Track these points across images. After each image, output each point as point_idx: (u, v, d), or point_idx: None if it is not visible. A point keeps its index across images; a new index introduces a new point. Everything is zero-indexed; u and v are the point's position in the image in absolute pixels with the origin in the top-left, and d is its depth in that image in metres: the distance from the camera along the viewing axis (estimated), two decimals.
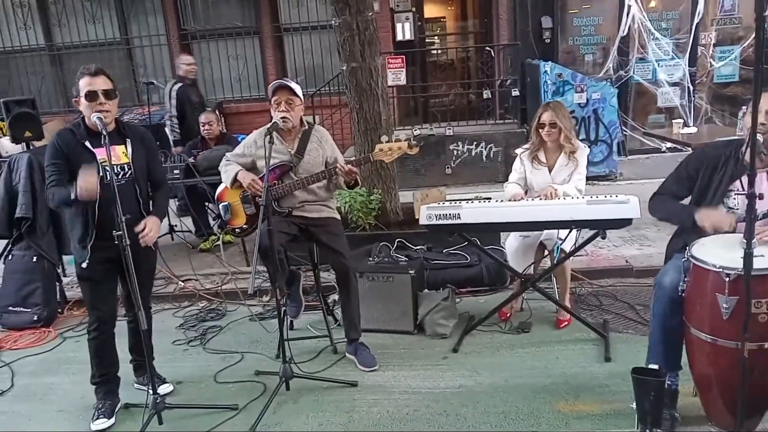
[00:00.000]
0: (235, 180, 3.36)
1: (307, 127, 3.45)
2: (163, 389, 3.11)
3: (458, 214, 3.26)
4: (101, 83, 2.73)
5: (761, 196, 1.92)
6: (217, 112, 6.04)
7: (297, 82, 3.47)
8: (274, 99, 3.30)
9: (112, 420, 2.94)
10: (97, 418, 2.91)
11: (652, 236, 4.84)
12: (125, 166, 2.85)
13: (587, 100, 6.43)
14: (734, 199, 2.48)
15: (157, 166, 3.13)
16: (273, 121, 3.21)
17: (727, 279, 2.13)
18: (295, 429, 2.74)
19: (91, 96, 2.70)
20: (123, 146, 2.87)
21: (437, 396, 2.93)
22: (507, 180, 3.69)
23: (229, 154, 3.52)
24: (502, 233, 4.28)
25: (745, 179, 2.38)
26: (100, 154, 2.73)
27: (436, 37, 10.18)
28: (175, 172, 4.90)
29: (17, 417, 3.10)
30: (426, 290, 3.78)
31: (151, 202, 3.00)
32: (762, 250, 2.13)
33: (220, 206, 3.56)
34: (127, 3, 8.37)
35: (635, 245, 4.70)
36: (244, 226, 3.53)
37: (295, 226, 3.32)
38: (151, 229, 2.80)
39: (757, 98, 1.97)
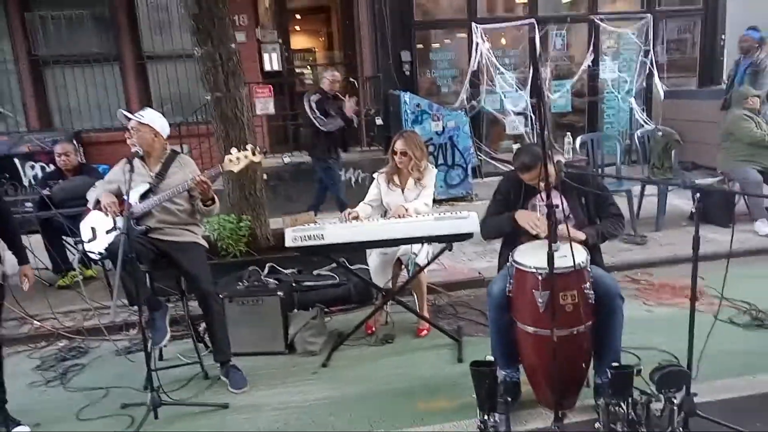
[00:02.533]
0: (97, 202, 3.38)
1: (170, 152, 3.53)
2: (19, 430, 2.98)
3: (321, 234, 3.49)
4: None
5: (557, 205, 2.35)
6: (74, 142, 5.78)
7: (162, 111, 3.57)
8: (127, 128, 3.42)
9: None
10: None
11: None
12: None
13: (443, 128, 7.03)
14: (532, 208, 2.98)
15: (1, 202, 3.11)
16: (134, 150, 3.27)
17: (540, 277, 2.55)
18: None
19: None
20: None
21: (306, 409, 3.09)
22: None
23: (98, 182, 3.54)
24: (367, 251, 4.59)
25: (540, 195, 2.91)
26: None
27: (306, 68, 10.47)
28: (27, 204, 4.65)
29: None
30: (296, 310, 3.94)
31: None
32: (567, 252, 2.57)
33: (82, 231, 3.49)
34: None
35: (486, 258, 5.21)
36: (104, 251, 3.47)
37: (153, 248, 3.34)
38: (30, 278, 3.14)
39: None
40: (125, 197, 3.24)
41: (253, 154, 3.44)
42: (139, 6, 7.97)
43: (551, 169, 2.83)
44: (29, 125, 7.86)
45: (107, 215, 3.38)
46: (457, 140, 7.12)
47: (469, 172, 7.31)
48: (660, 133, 6.25)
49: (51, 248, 5.03)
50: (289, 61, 8.81)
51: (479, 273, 4.92)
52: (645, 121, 8.55)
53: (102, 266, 4.87)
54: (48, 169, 6.51)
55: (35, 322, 4.41)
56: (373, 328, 3.97)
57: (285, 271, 4.57)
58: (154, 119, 3.48)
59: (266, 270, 4.54)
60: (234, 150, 3.46)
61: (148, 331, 3.31)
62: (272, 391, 3.31)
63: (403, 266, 3.90)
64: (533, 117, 8.46)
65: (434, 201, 4.29)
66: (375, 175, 4.02)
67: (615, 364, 2.58)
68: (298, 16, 10.26)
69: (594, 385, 2.82)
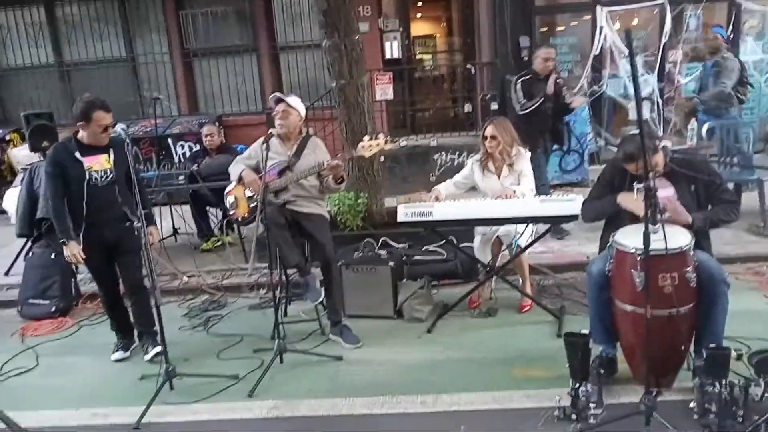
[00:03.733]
0: (240, 178, 3.89)
1: (305, 134, 3.98)
2: (154, 351, 3.73)
3: (430, 212, 3.76)
4: (111, 117, 3.52)
5: (657, 188, 2.41)
6: (217, 125, 6.53)
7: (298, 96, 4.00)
8: (275, 109, 3.85)
9: (128, 353, 3.85)
10: (116, 351, 3.83)
11: None
12: (108, 170, 3.59)
13: None
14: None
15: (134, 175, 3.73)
16: (270, 131, 3.73)
17: (639, 257, 2.63)
18: (286, 393, 3.20)
19: (106, 128, 3.52)
20: (106, 155, 3.59)
21: (411, 367, 3.40)
22: None
23: (239, 157, 4.06)
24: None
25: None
26: (87, 162, 3.53)
27: (425, 54, 10.75)
28: (180, 178, 5.39)
29: (46, 389, 3.55)
30: (405, 280, 4.26)
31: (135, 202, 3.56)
32: (671, 234, 2.61)
33: (227, 200, 4.05)
34: (133, 22, 8.91)
35: (594, 243, 5.16)
36: (246, 215, 4.00)
37: (286, 218, 3.80)
38: (153, 234, 3.77)
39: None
40: (264, 172, 3.74)
41: (386, 143, 3.76)
42: (275, 1, 8.67)
43: (659, 157, 2.89)
44: (180, 109, 8.89)
45: (249, 189, 3.89)
46: (573, 126, 7.02)
47: (586, 158, 7.18)
48: None
49: (197, 217, 5.79)
50: (409, 48, 9.12)
51: (587, 257, 4.92)
52: None
53: (238, 233, 5.53)
54: (195, 148, 7.41)
55: (185, 277, 5.14)
56: (477, 303, 4.18)
57: (397, 245, 4.91)
58: (300, 105, 3.93)
59: (380, 243, 4.91)
60: (366, 137, 3.80)
61: (304, 291, 3.84)
62: (380, 349, 3.66)
63: (504, 247, 4.06)
64: (660, 102, 8.07)
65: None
66: (469, 161, 4.21)
67: (713, 345, 2.60)
68: (419, 4, 10.54)
69: (692, 368, 2.84)
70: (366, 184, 5.44)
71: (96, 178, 3.54)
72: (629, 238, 2.76)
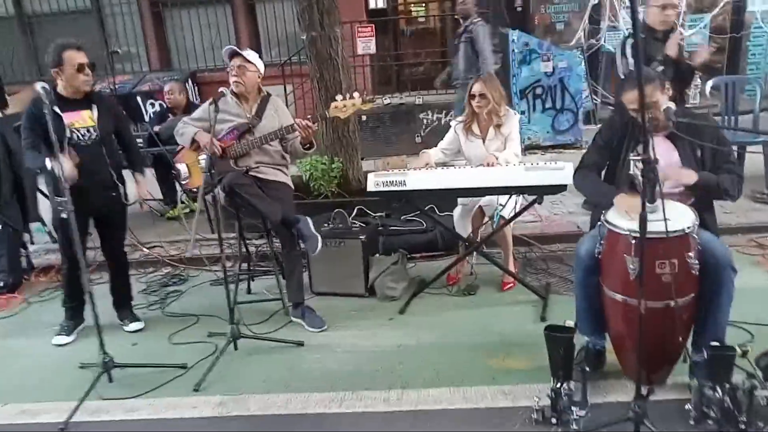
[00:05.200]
0: (193, 141, 3.48)
1: (265, 94, 3.56)
2: (134, 326, 3.57)
3: (403, 180, 3.37)
4: (85, 57, 3.17)
5: (657, 161, 2.02)
6: (188, 82, 6.02)
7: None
8: (230, 65, 3.41)
9: (71, 338, 3.48)
10: (58, 335, 3.47)
11: None
12: (91, 128, 3.24)
13: (553, 68, 6.48)
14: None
15: (126, 131, 3.54)
16: (220, 90, 3.30)
17: (633, 241, 2.26)
18: (237, 386, 2.88)
19: (81, 67, 3.14)
20: (89, 111, 3.24)
21: (377, 355, 3.07)
22: None
23: (186, 118, 3.63)
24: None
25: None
26: (68, 118, 3.15)
27: (412, 5, 10.11)
28: (139, 141, 4.95)
29: None
30: (378, 255, 3.90)
31: (126, 162, 3.44)
32: (672, 214, 2.25)
33: (179, 168, 3.64)
34: None
35: (588, 211, 4.82)
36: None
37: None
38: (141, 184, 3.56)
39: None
40: (212, 136, 3.33)
41: (363, 102, 3.36)
42: None
43: (662, 100, 2.50)
44: (150, 65, 8.35)
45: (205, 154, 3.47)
46: (568, 82, 6.56)
47: (580, 117, 6.74)
48: None
49: (161, 183, 5.38)
50: None
51: (578, 227, 4.57)
52: None
53: (205, 201, 5.13)
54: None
55: (144, 249, 4.78)
56: (456, 279, 3.84)
57: (373, 214, 4.54)
58: (258, 60, 3.52)
59: (354, 212, 4.54)
60: (339, 97, 3.39)
61: (301, 242, 3.42)
62: (347, 332, 3.33)
63: (486, 217, 3.70)
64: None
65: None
66: (452, 124, 3.79)
67: (715, 343, 2.26)
68: None
69: (690, 362, 2.51)
70: (341, 147, 5.02)
71: (78, 137, 3.19)
72: (623, 218, 2.39)
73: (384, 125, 7.05)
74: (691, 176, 2.43)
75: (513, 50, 6.51)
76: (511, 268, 3.77)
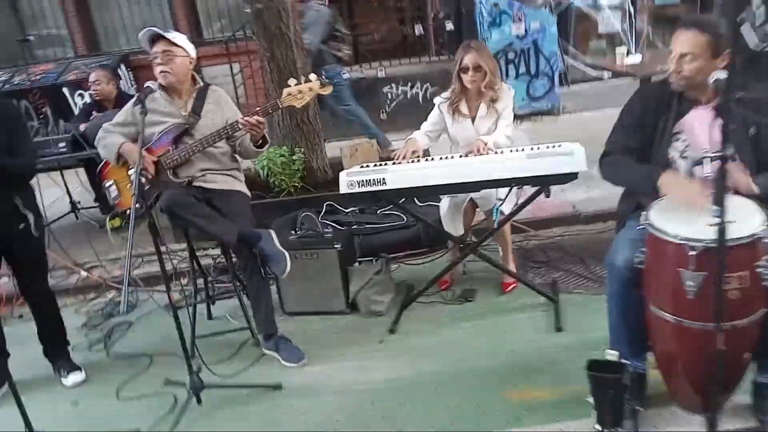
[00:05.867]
0: (119, 155, 2.84)
1: (202, 85, 2.93)
2: (73, 379, 2.95)
3: (383, 178, 2.82)
4: None
5: (734, 157, 1.54)
6: (108, 69, 5.23)
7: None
8: (153, 53, 2.78)
9: None
10: None
11: (600, 177, 4.54)
12: None
13: (526, 30, 5.95)
14: (683, 142, 2.13)
15: (19, 142, 2.73)
16: (146, 85, 2.65)
17: (691, 253, 1.79)
18: None
19: None
20: None
21: (373, 395, 2.55)
22: None
23: (108, 124, 2.97)
24: None
25: (692, 120, 2.03)
26: None
27: None
28: (60, 145, 4.23)
29: None
30: (357, 264, 3.36)
31: None
32: (736, 213, 1.77)
33: (105, 186, 3.01)
34: None
35: (582, 188, 4.35)
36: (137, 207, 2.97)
37: (196, 197, 2.81)
38: None
39: None
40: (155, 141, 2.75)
41: (321, 86, 2.78)
42: None
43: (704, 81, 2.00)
44: (76, 51, 7.43)
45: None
46: (542, 44, 6.04)
47: (556, 81, 6.26)
48: None
49: (95, 188, 4.67)
50: None
51: (573, 206, 4.13)
52: None
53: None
54: None
55: (83, 271, 4.11)
56: (449, 282, 3.35)
57: (345, 210, 4.00)
58: (187, 43, 2.89)
59: (324, 210, 3.99)
60: (292, 81, 2.79)
61: (267, 265, 2.82)
62: (331, 366, 2.80)
63: (480, 211, 3.20)
64: (633, 12, 7.15)
65: (515, 117, 3.51)
66: (436, 101, 3.25)
67: None
68: None
69: (754, 384, 2.09)
70: (302, 135, 4.42)
71: None
72: (672, 219, 1.91)
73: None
74: (750, 187, 1.94)
75: (481, 12, 5.93)
76: (512, 266, 3.30)
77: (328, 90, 2.84)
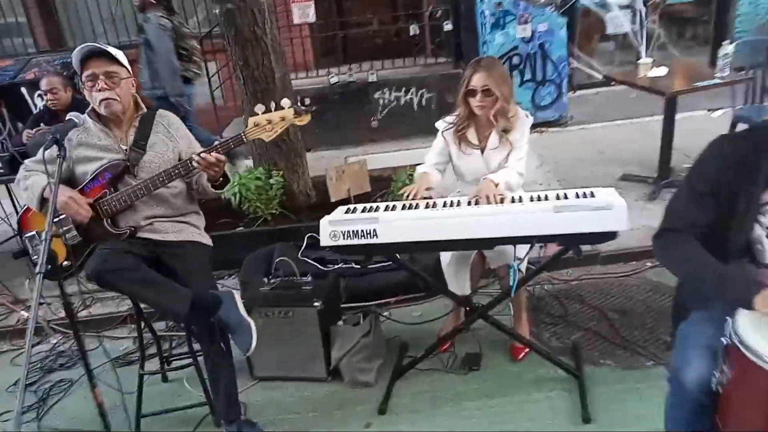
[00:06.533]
0: (42, 201, 2.27)
1: (146, 111, 2.37)
2: None
3: (373, 230, 2.28)
4: None
5: None
6: (62, 76, 4.60)
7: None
8: (86, 75, 2.21)
9: None
10: None
11: None
12: None
13: (532, 33, 5.40)
14: None
15: None
16: (68, 117, 2.09)
17: None
18: None
19: None
20: None
21: None
22: None
23: (30, 161, 2.40)
24: None
25: None
26: None
27: None
28: None
29: None
30: (341, 322, 2.81)
31: None
32: None
33: (26, 239, 2.43)
34: None
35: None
36: (66, 264, 2.42)
37: (141, 255, 2.26)
38: None
39: None
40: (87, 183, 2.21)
41: (296, 115, 2.25)
42: None
43: None
44: (38, 46, 6.78)
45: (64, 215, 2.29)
46: (549, 48, 5.50)
47: (564, 89, 5.72)
48: None
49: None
50: None
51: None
52: None
53: None
54: None
55: (22, 312, 3.54)
56: (449, 344, 2.82)
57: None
58: (124, 58, 2.32)
59: (305, 243, 3.44)
60: (260, 108, 2.25)
61: (231, 338, 2.30)
62: None
63: (489, 265, 2.68)
64: (643, 11, 6.63)
65: None
66: (438, 127, 2.70)
67: None
68: None
69: None
70: (281, 154, 3.86)
71: None
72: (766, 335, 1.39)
73: (332, 108, 5.83)
74: None
75: (482, 12, 5.37)
76: (525, 327, 2.78)
77: (305, 120, 2.30)
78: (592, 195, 2.23)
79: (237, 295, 2.32)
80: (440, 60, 6.20)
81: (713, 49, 6.97)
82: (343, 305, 3.10)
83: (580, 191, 2.28)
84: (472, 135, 2.62)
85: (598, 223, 2.10)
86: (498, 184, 2.40)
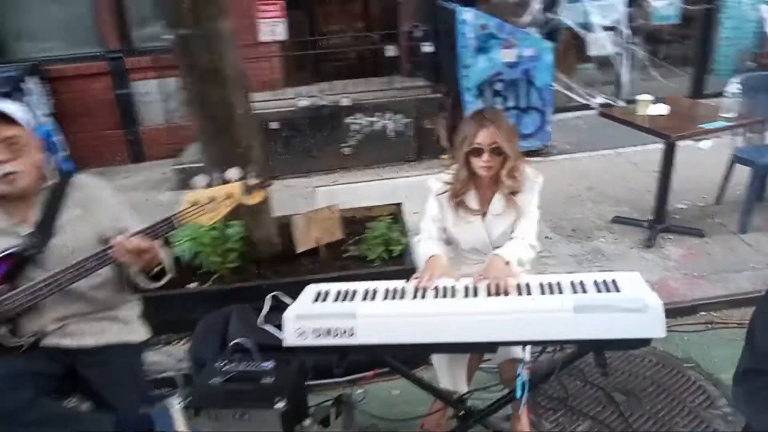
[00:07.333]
0: None
1: (57, 180, 1.88)
2: None
3: (351, 328, 1.84)
4: None
5: None
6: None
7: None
8: None
9: None
10: None
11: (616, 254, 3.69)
12: None
13: (518, 58, 5.05)
14: None
15: None
16: None
17: None
18: None
19: None
20: None
21: None
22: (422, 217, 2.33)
23: None
24: None
25: None
26: None
27: None
28: None
29: None
30: (309, 420, 2.36)
31: None
32: None
33: None
34: None
35: (592, 267, 3.53)
36: None
37: (47, 369, 1.78)
38: None
39: None
40: None
41: (247, 193, 1.79)
42: None
43: None
44: None
45: None
46: (534, 74, 5.16)
47: (548, 117, 5.39)
48: None
49: None
50: None
51: None
52: None
53: None
54: None
55: None
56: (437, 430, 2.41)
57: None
58: (23, 114, 1.82)
59: (269, 305, 2.98)
60: (201, 181, 1.80)
61: None
62: None
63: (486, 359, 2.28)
64: (628, 32, 6.41)
65: None
66: (432, 188, 2.29)
67: None
68: None
69: None
70: None
71: None
72: None
73: (302, 134, 5.39)
74: None
75: (464, 34, 4.99)
76: (524, 423, 2.38)
77: (257, 198, 1.84)
78: (616, 286, 1.84)
79: (174, 411, 1.85)
80: (417, 83, 5.80)
81: (697, 72, 6.81)
82: (309, 382, 2.66)
83: (600, 278, 1.90)
84: (472, 199, 2.22)
85: (629, 329, 1.71)
86: (509, 262, 2.00)
